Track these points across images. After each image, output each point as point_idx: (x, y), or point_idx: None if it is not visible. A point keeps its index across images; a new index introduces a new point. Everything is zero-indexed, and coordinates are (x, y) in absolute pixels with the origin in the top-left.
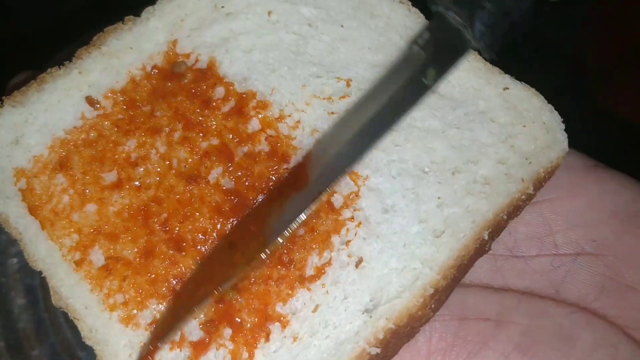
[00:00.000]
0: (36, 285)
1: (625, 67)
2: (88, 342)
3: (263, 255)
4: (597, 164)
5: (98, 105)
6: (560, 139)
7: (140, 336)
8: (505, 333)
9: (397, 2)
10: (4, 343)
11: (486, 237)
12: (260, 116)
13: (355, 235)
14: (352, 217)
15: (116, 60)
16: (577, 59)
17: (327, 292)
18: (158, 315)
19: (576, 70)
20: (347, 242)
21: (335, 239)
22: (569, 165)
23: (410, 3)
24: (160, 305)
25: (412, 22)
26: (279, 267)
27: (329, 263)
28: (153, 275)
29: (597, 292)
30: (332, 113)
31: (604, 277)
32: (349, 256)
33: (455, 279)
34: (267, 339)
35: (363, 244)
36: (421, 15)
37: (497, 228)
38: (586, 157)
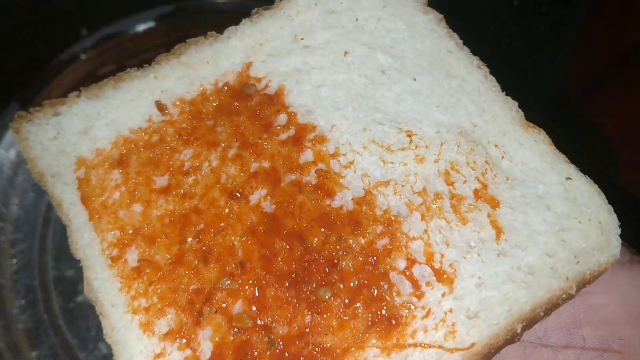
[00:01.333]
0: (36, 286)
1: (620, 71)
2: (108, 340)
3: None
4: (632, 258)
5: (166, 112)
6: (613, 244)
7: (154, 345)
8: None
9: (474, 66)
10: (3, 344)
11: (519, 330)
12: (315, 149)
13: None
14: None
15: (192, 71)
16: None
17: None
18: (173, 326)
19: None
20: None
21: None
22: None
23: (488, 70)
24: (177, 317)
25: (486, 89)
26: None
27: None
28: (176, 283)
29: None
30: (387, 162)
31: None
32: None
33: None
34: None
35: None
36: (497, 84)
37: (531, 322)
38: (624, 251)
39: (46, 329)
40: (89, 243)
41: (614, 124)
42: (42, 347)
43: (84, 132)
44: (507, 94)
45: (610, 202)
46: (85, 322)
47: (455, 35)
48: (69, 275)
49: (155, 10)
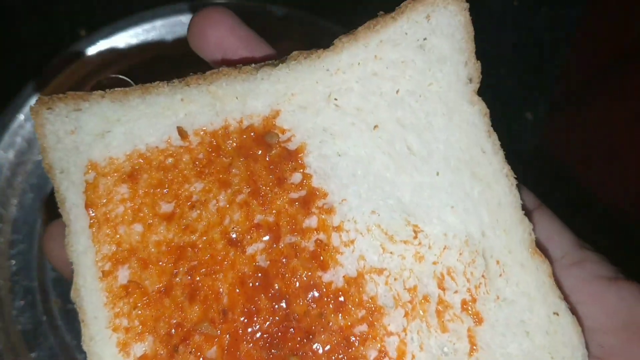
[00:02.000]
0: (34, 288)
1: (619, 69)
2: (84, 347)
3: None
4: (618, 275)
5: (187, 138)
6: None
7: None
8: None
9: (503, 174)
10: (2, 345)
11: None
12: (321, 217)
13: None
14: None
15: (219, 103)
16: (571, 62)
17: None
18: (148, 352)
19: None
20: None
21: None
22: (596, 274)
23: (515, 182)
24: (153, 344)
25: (507, 202)
26: None
27: None
28: (159, 313)
29: None
30: (386, 251)
31: None
32: None
33: None
34: None
35: None
36: (519, 200)
37: None
38: (613, 268)
39: (45, 330)
40: (84, 250)
41: (614, 124)
42: (40, 348)
43: (101, 135)
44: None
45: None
46: None
47: (494, 135)
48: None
49: (155, 11)
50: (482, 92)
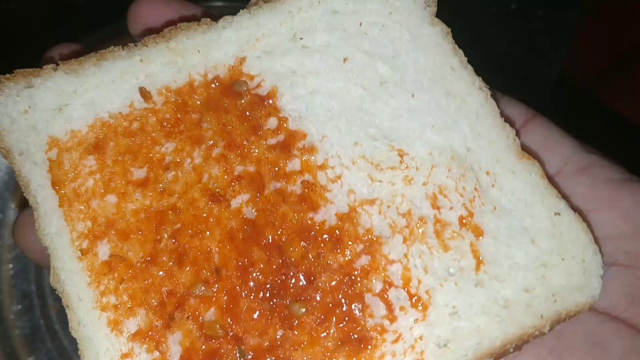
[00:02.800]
0: (32, 292)
1: (619, 71)
2: (73, 334)
3: None
4: (632, 177)
5: (150, 99)
6: (593, 285)
7: (121, 345)
8: (540, 337)
9: (476, 87)
10: (0, 350)
11: None
12: (303, 158)
13: None
14: None
15: (180, 59)
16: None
17: None
18: (143, 327)
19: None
20: None
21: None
22: (606, 177)
23: (489, 92)
24: (147, 318)
25: (485, 112)
26: None
27: None
28: (148, 283)
29: (628, 303)
30: (375, 180)
31: (635, 288)
32: None
33: None
34: None
35: None
36: (497, 109)
37: (499, 356)
38: (623, 170)
39: (42, 334)
40: (57, 231)
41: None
42: (38, 352)
43: (59, 109)
44: (503, 97)
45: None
46: None
47: (460, 51)
48: None
49: None
50: None
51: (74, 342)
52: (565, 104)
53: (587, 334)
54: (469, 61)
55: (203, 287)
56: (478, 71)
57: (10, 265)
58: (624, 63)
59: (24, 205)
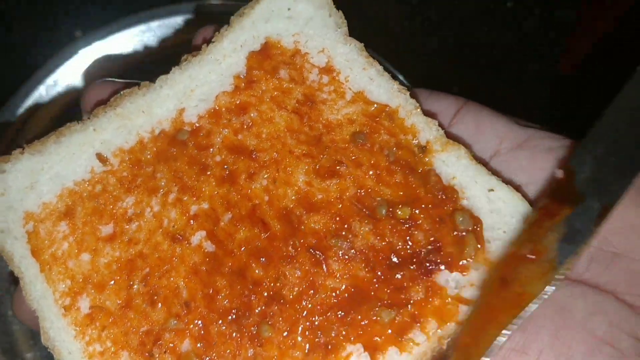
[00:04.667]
0: None
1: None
2: None
3: None
4: (575, 142)
5: (107, 162)
6: None
7: None
8: None
9: (395, 90)
10: None
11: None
12: (251, 188)
13: None
14: None
15: (128, 121)
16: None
17: None
18: None
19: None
20: None
21: None
22: (546, 147)
23: (409, 92)
24: (130, 358)
25: (407, 111)
26: None
27: None
28: (127, 327)
29: (587, 263)
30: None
31: (593, 247)
32: None
33: None
34: None
35: None
36: (418, 105)
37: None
38: (562, 137)
39: None
40: (42, 294)
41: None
42: (37, 348)
43: (30, 187)
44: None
45: None
46: None
47: (375, 62)
48: None
49: (151, 12)
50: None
51: None
52: (563, 103)
53: (549, 299)
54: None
55: (175, 322)
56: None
57: None
58: (620, 61)
59: None
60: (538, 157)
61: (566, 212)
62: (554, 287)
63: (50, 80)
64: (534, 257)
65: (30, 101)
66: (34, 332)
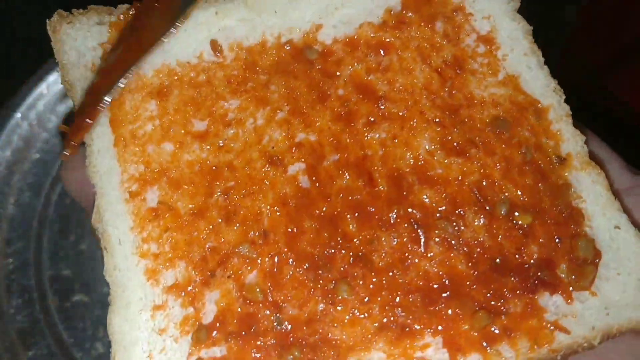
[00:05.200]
0: (31, 286)
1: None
2: (107, 278)
3: None
4: None
5: (219, 54)
6: None
7: (155, 296)
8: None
9: (550, 89)
10: None
11: None
12: (368, 136)
13: None
14: None
15: (257, 16)
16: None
17: None
18: (180, 280)
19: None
20: None
21: None
22: None
23: (563, 97)
24: (186, 271)
25: (557, 116)
26: None
27: None
28: (193, 236)
29: None
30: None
31: None
32: None
33: None
34: None
35: None
36: (570, 112)
37: None
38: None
39: (42, 329)
40: (108, 170)
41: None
42: (38, 346)
43: None
44: None
45: None
46: (81, 322)
47: (539, 51)
48: (65, 275)
49: None
50: None
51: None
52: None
53: (629, 349)
54: None
55: (248, 249)
56: None
57: (10, 260)
58: (621, 60)
59: (22, 202)
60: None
61: None
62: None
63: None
64: (158, 5)
65: (30, 99)
66: (34, 330)
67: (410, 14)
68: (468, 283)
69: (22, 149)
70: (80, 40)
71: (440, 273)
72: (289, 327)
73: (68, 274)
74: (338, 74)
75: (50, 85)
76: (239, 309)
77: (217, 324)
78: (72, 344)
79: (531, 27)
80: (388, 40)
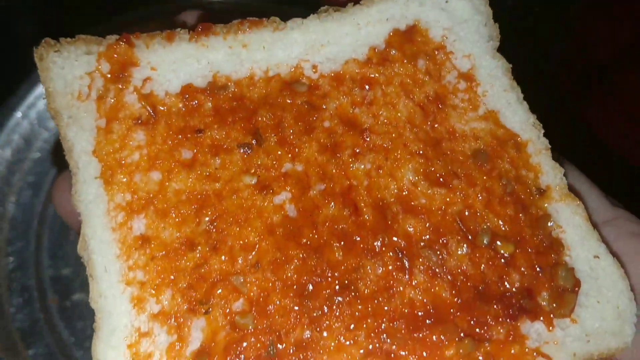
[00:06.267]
0: (32, 285)
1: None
2: (93, 305)
3: None
4: None
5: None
6: (626, 332)
7: (141, 323)
8: None
9: (529, 124)
10: None
11: None
12: (353, 166)
13: None
14: None
15: (244, 51)
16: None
17: None
18: (167, 308)
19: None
20: None
21: None
22: (630, 231)
23: (542, 131)
24: (172, 299)
25: (537, 150)
26: None
27: None
28: (180, 265)
29: None
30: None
31: None
32: None
33: None
34: None
35: None
36: (549, 146)
37: None
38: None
39: (42, 328)
40: (94, 199)
41: (608, 122)
42: (38, 345)
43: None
44: None
45: None
46: (81, 321)
47: (518, 88)
48: (65, 274)
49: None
50: None
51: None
52: (562, 102)
53: None
54: None
55: (235, 278)
56: None
57: (11, 259)
58: (621, 59)
59: (22, 202)
60: (622, 239)
61: None
62: None
63: None
64: None
65: (31, 98)
66: (34, 329)
67: (393, 51)
68: (452, 310)
69: (22, 148)
70: (68, 69)
71: (425, 300)
72: (275, 354)
73: (68, 274)
74: (324, 106)
75: None
76: (225, 337)
77: (203, 351)
78: (72, 343)
79: (510, 64)
80: (372, 75)
